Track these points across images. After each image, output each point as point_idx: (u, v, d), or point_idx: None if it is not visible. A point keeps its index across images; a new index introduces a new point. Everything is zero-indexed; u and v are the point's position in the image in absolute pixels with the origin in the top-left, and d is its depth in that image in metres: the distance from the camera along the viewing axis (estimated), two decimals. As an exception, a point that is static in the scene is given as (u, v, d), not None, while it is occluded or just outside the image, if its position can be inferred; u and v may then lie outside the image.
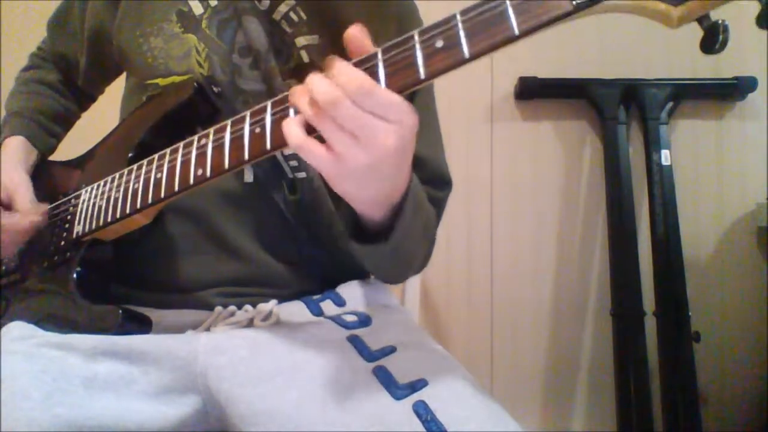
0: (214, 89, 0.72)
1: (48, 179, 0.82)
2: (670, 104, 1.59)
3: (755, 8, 0.46)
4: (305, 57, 0.78)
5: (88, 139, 0.84)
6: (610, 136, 1.60)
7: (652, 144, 1.58)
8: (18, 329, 0.66)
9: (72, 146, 0.93)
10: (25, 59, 0.98)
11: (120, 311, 0.64)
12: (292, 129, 0.50)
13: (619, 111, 1.60)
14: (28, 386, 0.56)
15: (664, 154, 1.57)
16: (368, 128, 0.48)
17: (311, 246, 0.77)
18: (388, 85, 0.49)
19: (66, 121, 0.95)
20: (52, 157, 0.90)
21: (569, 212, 1.66)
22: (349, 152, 0.48)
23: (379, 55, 0.50)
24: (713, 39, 0.44)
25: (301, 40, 0.78)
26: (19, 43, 1.05)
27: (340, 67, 0.48)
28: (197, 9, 0.78)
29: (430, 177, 0.76)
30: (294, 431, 0.55)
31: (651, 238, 1.56)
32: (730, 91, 1.60)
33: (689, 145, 1.63)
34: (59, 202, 0.76)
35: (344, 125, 0.47)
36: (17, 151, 0.82)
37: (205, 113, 0.72)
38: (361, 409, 0.55)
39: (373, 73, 0.49)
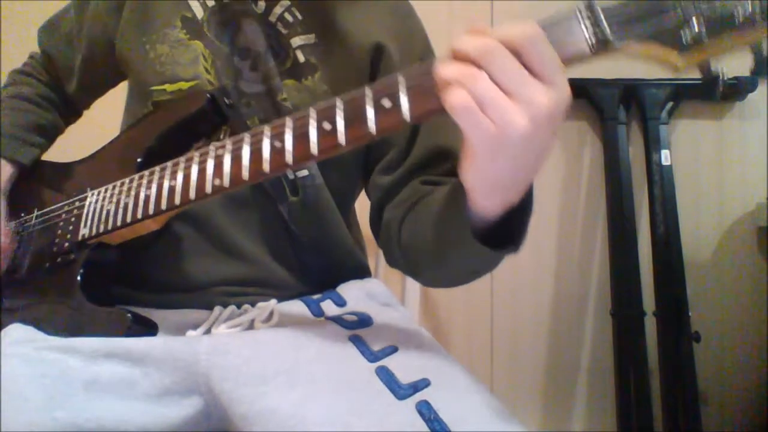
0: (227, 101, 0.73)
1: (50, 180, 0.82)
2: (670, 104, 1.59)
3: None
4: (301, 57, 0.78)
5: (87, 141, 0.83)
6: (610, 136, 1.60)
7: (652, 144, 1.58)
8: (18, 332, 0.66)
9: (71, 148, 0.93)
10: (25, 59, 0.98)
11: (129, 315, 0.64)
12: (460, 92, 0.45)
13: (619, 111, 1.60)
14: (28, 389, 0.56)
15: (664, 154, 1.57)
16: (525, 84, 0.44)
17: (311, 250, 0.77)
18: (411, 110, 0.50)
19: (45, 131, 0.90)
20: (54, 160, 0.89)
21: (569, 212, 1.66)
22: (504, 114, 0.44)
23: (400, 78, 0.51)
24: (713, 88, 0.49)
25: (296, 40, 0.78)
26: (19, 43, 1.05)
27: (503, 26, 0.46)
28: (199, 13, 0.79)
29: (458, 168, 0.75)
30: (296, 430, 0.55)
31: (651, 238, 1.56)
32: (730, 91, 1.60)
33: (689, 145, 1.63)
34: (63, 203, 0.76)
35: (501, 79, 0.44)
36: None
37: (215, 123, 0.73)
38: (365, 410, 0.55)
39: (395, 96, 0.51)
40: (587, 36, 0.47)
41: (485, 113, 0.45)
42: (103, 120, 1.05)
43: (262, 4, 0.79)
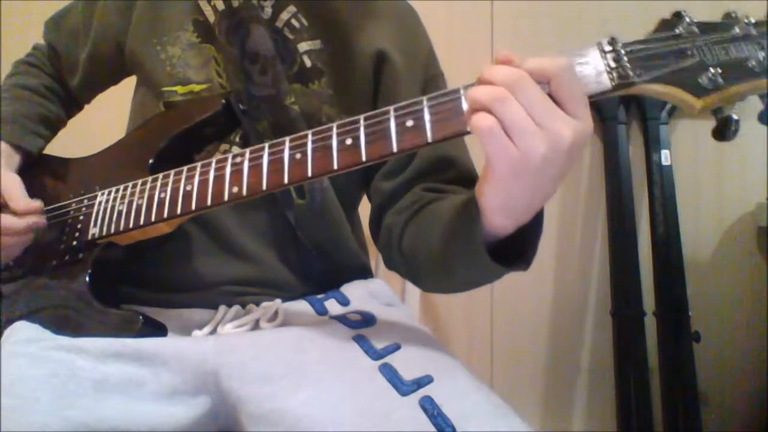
0: (241, 106, 0.73)
1: (53, 176, 0.82)
2: (670, 104, 1.60)
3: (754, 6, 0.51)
4: (307, 62, 0.78)
5: (87, 138, 0.83)
6: (610, 136, 1.60)
7: (652, 144, 1.58)
8: (24, 331, 0.66)
9: (72, 145, 0.93)
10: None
11: (141, 316, 0.64)
12: (486, 115, 0.47)
13: (619, 111, 1.60)
14: (37, 390, 0.56)
15: (664, 154, 1.57)
16: (549, 111, 0.46)
17: (316, 252, 0.77)
18: (434, 132, 0.51)
19: (50, 123, 0.91)
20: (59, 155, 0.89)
21: (569, 212, 1.66)
22: (528, 138, 0.46)
23: (425, 102, 0.53)
24: (725, 130, 0.52)
25: (303, 46, 0.79)
26: (19, 42, 1.05)
27: (526, 58, 0.48)
28: (210, 16, 0.79)
29: (460, 176, 0.75)
30: (303, 431, 0.55)
31: (651, 238, 1.57)
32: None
33: (689, 145, 1.63)
34: (71, 201, 0.76)
35: (528, 107, 0.46)
36: (5, 157, 0.81)
37: (227, 128, 0.74)
38: (369, 407, 0.55)
39: (420, 119, 0.52)
40: (609, 73, 0.49)
41: (510, 137, 0.46)
42: (103, 117, 1.06)
43: (268, 10, 0.79)
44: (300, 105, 0.76)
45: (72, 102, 0.97)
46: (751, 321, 1.59)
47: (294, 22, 0.79)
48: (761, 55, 0.47)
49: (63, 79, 0.94)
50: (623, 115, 1.61)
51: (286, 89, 0.76)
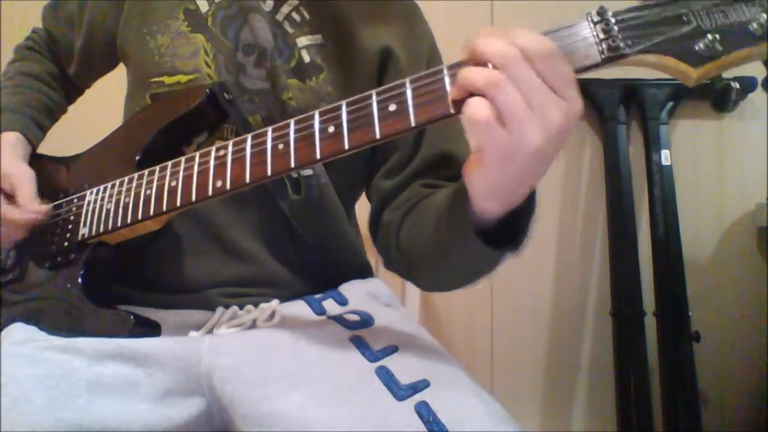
0: (226, 96, 0.72)
1: (46, 175, 0.81)
2: (670, 104, 1.60)
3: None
4: (306, 57, 0.78)
5: (85, 133, 0.83)
6: (610, 136, 1.60)
7: (652, 144, 1.58)
8: (20, 332, 0.66)
9: (66, 140, 0.92)
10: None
11: (132, 317, 0.64)
12: (481, 105, 0.45)
13: (619, 111, 1.60)
14: (31, 390, 0.56)
15: (664, 154, 1.57)
16: (543, 96, 0.44)
17: (314, 248, 0.77)
18: (416, 116, 0.49)
19: (53, 114, 0.92)
20: (47, 153, 0.88)
21: (569, 212, 1.66)
22: (523, 126, 0.44)
23: (408, 85, 0.51)
24: (725, 99, 0.48)
25: (302, 40, 0.78)
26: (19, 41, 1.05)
27: (520, 31, 0.45)
28: (203, 6, 0.79)
29: (460, 173, 0.75)
30: None
31: (651, 238, 1.57)
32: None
33: (689, 145, 1.63)
34: (61, 201, 0.76)
35: (522, 90, 0.44)
36: (17, 146, 0.81)
37: (214, 119, 0.72)
38: (364, 411, 0.55)
39: (402, 102, 0.50)
40: (598, 45, 0.47)
41: (504, 125, 0.45)
42: (102, 113, 1.05)
43: (270, 2, 0.78)
44: (297, 101, 0.75)
45: (73, 88, 0.97)
46: (751, 321, 1.59)
47: (295, 15, 0.79)
48: (763, 17, 0.43)
49: (62, 65, 0.94)
50: (623, 115, 1.61)
51: (284, 84, 0.75)
